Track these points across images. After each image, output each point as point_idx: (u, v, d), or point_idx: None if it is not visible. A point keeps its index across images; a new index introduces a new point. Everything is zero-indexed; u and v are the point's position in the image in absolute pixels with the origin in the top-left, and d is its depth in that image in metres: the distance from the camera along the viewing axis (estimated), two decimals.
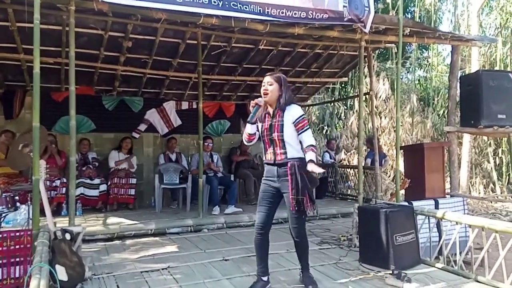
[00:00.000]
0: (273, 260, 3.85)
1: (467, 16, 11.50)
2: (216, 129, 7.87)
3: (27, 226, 3.65)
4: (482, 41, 6.00)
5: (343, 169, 8.05)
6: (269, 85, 3.01)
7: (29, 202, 3.86)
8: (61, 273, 2.90)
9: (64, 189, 5.76)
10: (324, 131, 12.17)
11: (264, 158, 3.13)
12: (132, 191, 6.36)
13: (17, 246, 3.14)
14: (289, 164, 2.92)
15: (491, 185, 10.80)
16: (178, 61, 6.27)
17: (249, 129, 3.10)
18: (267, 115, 3.07)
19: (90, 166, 6.36)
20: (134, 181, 6.39)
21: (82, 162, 6.35)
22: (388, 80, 11.63)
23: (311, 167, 2.81)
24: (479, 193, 10.34)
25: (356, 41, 5.17)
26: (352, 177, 7.77)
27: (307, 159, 2.86)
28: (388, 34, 4.96)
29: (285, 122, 2.97)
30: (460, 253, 3.56)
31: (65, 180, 5.83)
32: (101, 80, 6.64)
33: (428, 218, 3.94)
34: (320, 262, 3.78)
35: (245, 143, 3.20)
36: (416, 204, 4.24)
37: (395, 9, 11.94)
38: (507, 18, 11.25)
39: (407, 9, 14.23)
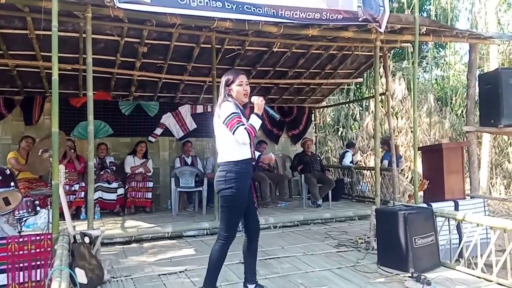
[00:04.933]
0: (289, 263, 3.85)
1: (485, 14, 11.27)
2: None
3: (47, 230, 3.72)
4: (500, 39, 5.88)
5: (359, 171, 7.97)
6: (247, 85, 2.95)
7: (49, 206, 3.94)
8: (81, 276, 2.95)
9: (82, 193, 5.86)
10: (340, 133, 12.07)
11: (241, 157, 2.86)
12: (149, 195, 6.42)
13: (38, 250, 3.19)
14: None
15: None
16: (193, 65, 6.31)
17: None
18: (242, 111, 2.96)
19: (108, 170, 6.45)
20: (151, 184, 6.46)
21: (100, 167, 6.44)
22: (405, 80, 11.49)
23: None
24: (500, 193, 10.09)
25: (371, 41, 5.12)
26: (369, 179, 7.68)
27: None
28: (404, 33, 4.89)
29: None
30: (481, 255, 3.49)
31: (83, 184, 5.92)
32: (117, 85, 6.74)
33: (448, 220, 3.86)
34: (338, 265, 3.75)
35: (246, 140, 2.82)
36: (435, 206, 4.16)
37: (410, 8, 11.81)
38: None
39: (423, 8, 14.02)
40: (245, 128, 2.76)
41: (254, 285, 3.08)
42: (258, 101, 2.86)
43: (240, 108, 2.90)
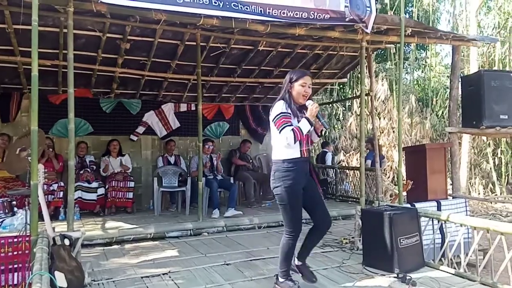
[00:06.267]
0: (275, 264, 3.76)
1: (465, 17, 11.49)
2: (215, 131, 7.82)
3: (25, 231, 3.59)
4: (483, 41, 5.98)
5: (342, 170, 8.01)
6: (309, 87, 2.93)
7: (26, 207, 3.81)
8: (60, 279, 2.84)
9: (61, 193, 5.69)
10: (323, 132, 12.11)
11: (288, 156, 2.88)
12: (130, 195, 6.29)
13: (15, 252, 3.08)
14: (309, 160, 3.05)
15: (490, 185, 10.79)
16: (177, 62, 6.22)
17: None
18: (297, 111, 2.93)
19: (88, 169, 6.29)
20: (132, 184, 6.33)
21: (80, 166, 6.28)
22: (387, 81, 11.61)
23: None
24: (479, 193, 10.31)
25: (356, 42, 5.14)
26: (352, 179, 7.72)
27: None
28: (390, 34, 4.92)
29: None
30: (463, 254, 3.53)
31: (62, 184, 5.76)
32: (98, 82, 6.58)
33: (432, 220, 3.89)
34: (324, 266, 3.73)
35: (290, 141, 2.81)
36: (418, 206, 4.20)
37: (393, 10, 11.95)
38: (507, 18, 11.25)
39: (405, 9, 14.23)
40: (292, 130, 2.78)
41: (301, 264, 3.20)
42: (312, 107, 2.84)
43: (293, 108, 2.90)
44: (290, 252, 3.01)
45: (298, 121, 2.87)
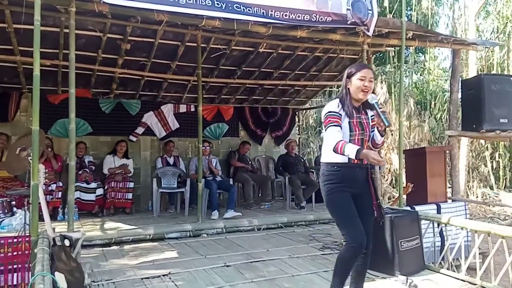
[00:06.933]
0: (275, 266, 3.81)
1: (464, 21, 11.54)
2: (214, 132, 7.80)
3: (24, 232, 3.57)
4: (483, 45, 6.01)
5: None
6: (370, 81, 2.59)
7: (25, 207, 3.78)
8: (61, 280, 2.82)
9: (60, 193, 5.67)
10: (321, 134, 12.15)
11: (334, 160, 2.57)
12: (129, 195, 6.27)
13: (15, 253, 3.05)
14: (369, 167, 2.65)
15: (488, 188, 10.82)
16: (177, 63, 6.20)
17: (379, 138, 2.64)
18: (354, 110, 2.60)
19: (87, 169, 6.26)
20: (131, 185, 6.30)
21: (79, 166, 6.23)
22: (386, 84, 11.64)
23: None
24: (477, 196, 10.35)
25: (356, 44, 5.14)
26: None
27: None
28: (391, 37, 4.93)
29: (370, 120, 2.68)
30: (464, 258, 3.53)
31: (61, 184, 5.74)
32: (98, 82, 6.56)
33: (433, 223, 3.90)
34: (324, 268, 3.72)
35: (329, 144, 2.51)
36: (418, 208, 4.20)
37: (392, 13, 11.99)
38: (506, 23, 11.31)
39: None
40: (338, 139, 2.44)
41: None
42: (375, 158, 2.35)
43: (349, 108, 2.57)
44: (343, 267, 2.60)
45: (353, 123, 2.56)
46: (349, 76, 2.63)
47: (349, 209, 2.56)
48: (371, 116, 2.68)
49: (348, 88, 2.62)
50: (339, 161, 2.56)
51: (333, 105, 2.58)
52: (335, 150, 2.45)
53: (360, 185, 2.63)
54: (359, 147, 2.43)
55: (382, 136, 2.65)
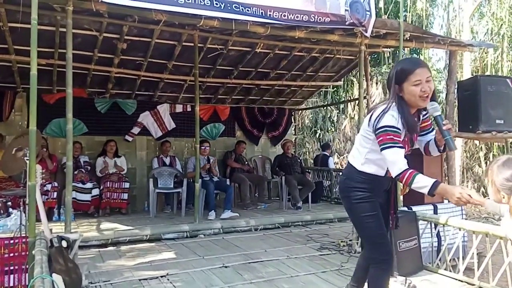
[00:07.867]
0: (273, 267, 3.80)
1: (459, 22, 11.62)
2: (210, 132, 7.79)
3: (19, 233, 3.53)
4: (480, 46, 6.04)
5: (337, 173, 8.02)
6: (427, 81, 2.09)
7: (21, 208, 3.74)
8: (59, 282, 2.79)
9: (55, 193, 5.63)
10: (317, 135, 12.17)
11: (366, 170, 2.30)
12: (125, 196, 6.23)
13: (11, 254, 3.01)
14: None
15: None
16: (174, 63, 6.18)
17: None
18: (415, 125, 2.22)
19: (82, 170, 6.21)
20: (127, 185, 6.27)
21: (74, 166, 6.15)
22: (381, 84, 11.68)
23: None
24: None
25: (353, 45, 5.15)
26: None
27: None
28: (388, 38, 4.94)
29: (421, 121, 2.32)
30: (461, 258, 3.54)
31: (56, 184, 5.70)
32: (94, 82, 6.51)
33: (431, 224, 3.91)
34: (322, 269, 3.73)
35: (392, 167, 2.06)
36: (415, 209, 4.21)
37: (387, 14, 12.04)
38: (500, 24, 11.39)
39: (399, 14, 14.33)
40: (405, 167, 1.99)
41: None
42: (469, 199, 1.91)
43: (410, 120, 2.11)
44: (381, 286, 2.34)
45: (405, 140, 2.16)
46: (399, 82, 2.13)
47: (380, 221, 2.29)
48: (423, 117, 2.28)
49: (402, 97, 2.13)
50: (372, 172, 2.27)
51: (392, 119, 2.07)
52: (398, 179, 2.04)
53: (383, 194, 2.41)
54: (435, 180, 1.93)
55: (439, 152, 2.24)
